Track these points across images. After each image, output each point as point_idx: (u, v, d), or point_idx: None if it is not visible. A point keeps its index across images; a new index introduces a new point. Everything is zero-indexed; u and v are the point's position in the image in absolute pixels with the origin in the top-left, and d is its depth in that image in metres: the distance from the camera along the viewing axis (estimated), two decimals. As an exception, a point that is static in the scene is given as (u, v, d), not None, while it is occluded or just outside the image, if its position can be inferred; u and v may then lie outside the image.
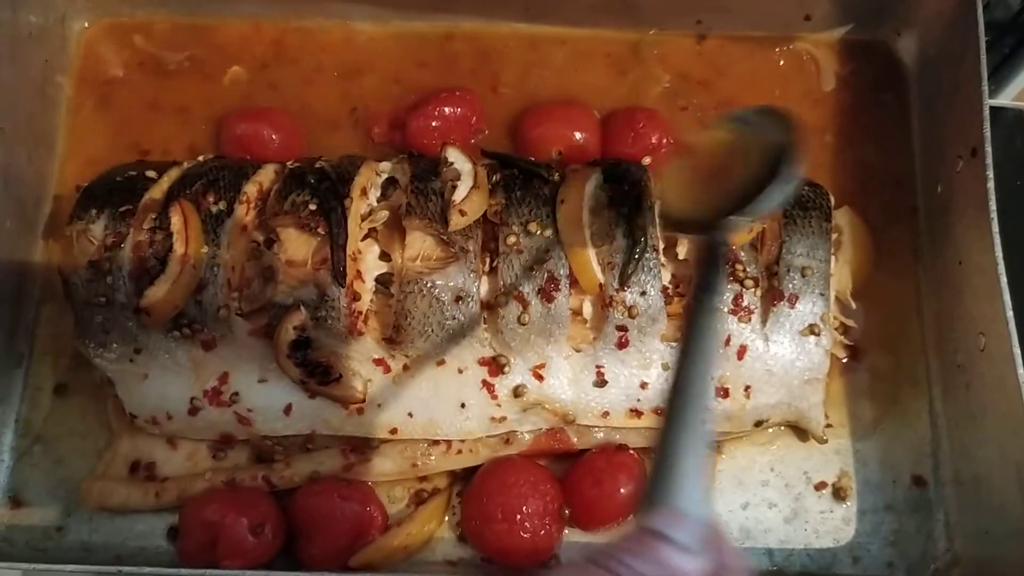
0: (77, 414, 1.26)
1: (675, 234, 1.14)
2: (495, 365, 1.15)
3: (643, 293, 1.13)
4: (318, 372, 1.12)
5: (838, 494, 1.23)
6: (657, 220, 1.16)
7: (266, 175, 1.21)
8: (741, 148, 0.94)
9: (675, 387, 0.76)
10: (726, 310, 1.14)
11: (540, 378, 1.15)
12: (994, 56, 1.40)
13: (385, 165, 1.22)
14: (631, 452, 1.20)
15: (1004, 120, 1.35)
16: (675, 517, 0.69)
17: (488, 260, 1.14)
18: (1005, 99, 1.41)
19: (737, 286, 1.14)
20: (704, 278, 0.86)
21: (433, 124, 1.33)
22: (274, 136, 1.34)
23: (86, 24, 1.43)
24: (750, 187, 0.88)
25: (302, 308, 1.11)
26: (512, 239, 1.13)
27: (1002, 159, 1.16)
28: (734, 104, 1.40)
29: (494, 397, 1.15)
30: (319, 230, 1.12)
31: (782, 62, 1.43)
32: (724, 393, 1.16)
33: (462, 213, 1.11)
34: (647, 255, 1.13)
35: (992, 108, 1.17)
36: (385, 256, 1.15)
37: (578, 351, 1.15)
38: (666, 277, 1.16)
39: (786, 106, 1.37)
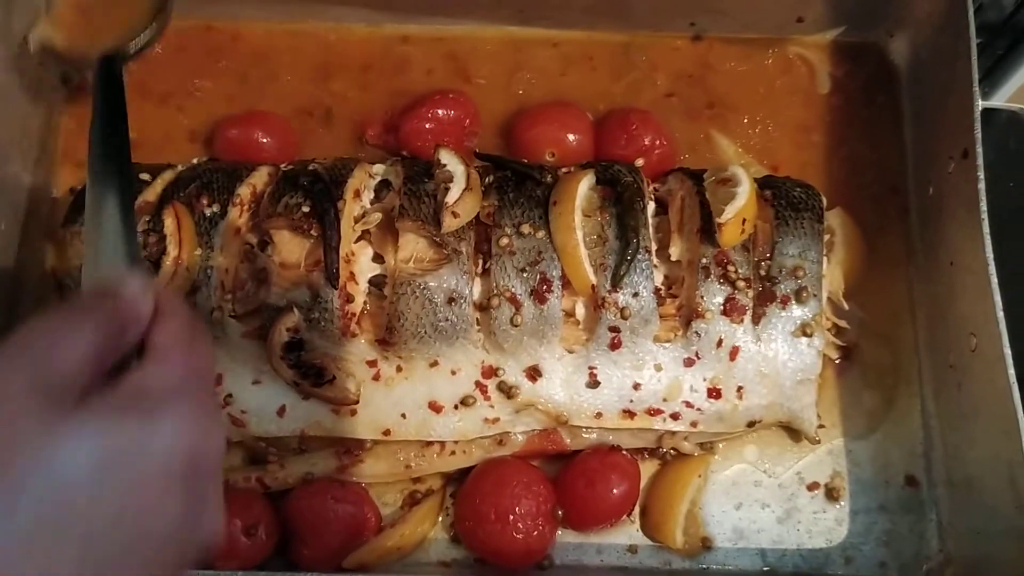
0: (71, 416, 1.26)
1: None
2: (488, 366, 1.15)
3: (635, 294, 1.13)
4: (311, 374, 1.12)
5: (831, 494, 1.24)
6: (649, 222, 1.17)
7: (259, 177, 1.21)
8: None
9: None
10: (718, 312, 1.14)
11: (533, 379, 1.15)
12: (987, 58, 1.40)
13: (378, 167, 1.22)
14: (624, 453, 1.20)
15: (997, 121, 1.35)
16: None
17: (481, 262, 1.15)
18: (998, 101, 1.41)
19: (729, 287, 1.14)
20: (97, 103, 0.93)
21: (426, 126, 1.33)
22: (267, 139, 1.33)
23: (81, 27, 1.43)
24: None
25: (295, 310, 1.11)
26: (505, 241, 1.13)
27: (994, 160, 1.16)
28: (727, 105, 1.41)
29: (487, 398, 1.16)
30: (312, 232, 1.12)
31: (775, 64, 1.43)
32: (716, 394, 1.16)
33: (455, 215, 1.11)
34: (639, 256, 1.13)
35: (985, 109, 1.17)
36: (378, 258, 1.15)
37: (571, 352, 1.16)
38: (658, 278, 1.17)
39: (778, 107, 1.40)
